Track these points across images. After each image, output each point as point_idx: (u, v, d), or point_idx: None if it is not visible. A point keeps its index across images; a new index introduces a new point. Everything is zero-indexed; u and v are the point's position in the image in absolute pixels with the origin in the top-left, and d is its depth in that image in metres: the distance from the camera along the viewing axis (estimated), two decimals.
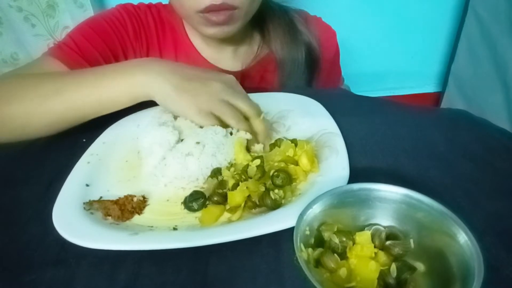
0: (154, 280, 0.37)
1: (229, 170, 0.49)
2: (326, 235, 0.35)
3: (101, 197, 0.47)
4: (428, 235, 0.34)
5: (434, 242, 0.34)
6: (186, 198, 0.45)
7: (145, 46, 0.81)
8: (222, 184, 0.46)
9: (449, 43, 1.69)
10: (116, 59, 0.76)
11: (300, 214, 0.34)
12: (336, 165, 0.48)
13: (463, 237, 0.31)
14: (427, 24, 1.63)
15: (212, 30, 0.70)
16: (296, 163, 0.48)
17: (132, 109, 0.66)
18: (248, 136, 0.54)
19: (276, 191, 0.44)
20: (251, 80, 0.84)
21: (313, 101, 0.66)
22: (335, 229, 0.35)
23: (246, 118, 0.56)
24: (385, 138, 0.57)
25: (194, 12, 0.67)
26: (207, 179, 0.49)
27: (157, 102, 0.57)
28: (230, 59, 0.83)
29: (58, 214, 0.43)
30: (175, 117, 0.58)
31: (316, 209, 0.35)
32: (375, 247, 0.35)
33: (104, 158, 0.55)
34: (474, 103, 1.54)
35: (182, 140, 0.53)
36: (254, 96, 0.68)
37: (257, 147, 0.55)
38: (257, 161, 0.47)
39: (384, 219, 0.37)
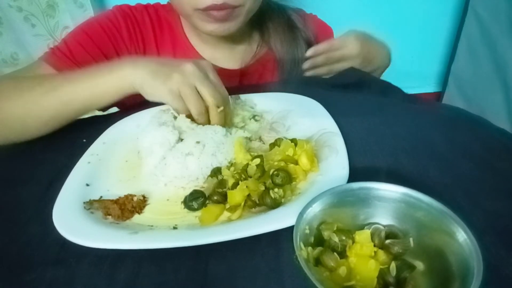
0: (154, 279, 0.37)
1: (229, 170, 0.49)
2: (325, 234, 0.35)
3: (101, 197, 0.47)
4: (428, 234, 0.34)
5: (433, 241, 0.34)
6: (186, 197, 0.46)
7: (141, 47, 0.81)
8: (222, 183, 0.46)
9: (449, 43, 1.69)
10: None
11: (300, 213, 0.34)
12: (335, 164, 0.48)
13: (462, 236, 0.31)
14: (427, 24, 1.63)
15: (211, 27, 0.70)
16: (296, 163, 0.48)
17: (132, 109, 0.66)
18: (247, 134, 0.55)
19: (276, 190, 0.44)
20: (250, 79, 0.85)
21: (312, 101, 0.66)
22: (335, 228, 0.35)
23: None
24: (385, 137, 0.57)
25: (194, 10, 0.67)
26: (207, 178, 0.49)
27: (140, 91, 0.59)
28: (229, 58, 0.83)
29: (58, 214, 0.43)
30: (175, 117, 0.58)
31: (316, 208, 0.35)
32: (374, 246, 0.35)
33: (104, 158, 0.55)
34: (474, 103, 1.54)
35: (182, 140, 0.53)
36: (254, 97, 0.68)
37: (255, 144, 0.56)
38: (257, 160, 0.47)
39: (383, 218, 0.37)
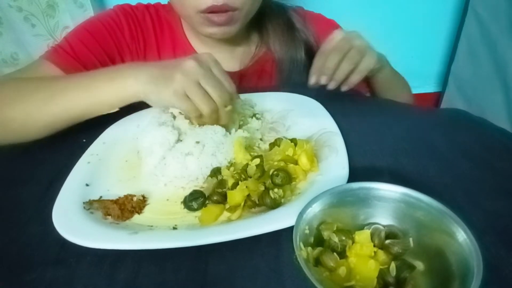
0: (154, 279, 0.37)
1: (228, 170, 0.49)
2: (325, 234, 0.35)
3: (101, 197, 0.47)
4: (427, 234, 0.34)
5: (433, 241, 0.34)
6: (185, 197, 0.46)
7: (142, 46, 0.81)
8: (221, 183, 0.46)
9: (449, 43, 1.68)
10: (112, 61, 0.77)
11: (300, 213, 0.34)
12: (335, 164, 0.48)
13: (462, 236, 0.31)
14: (427, 24, 1.63)
15: (212, 30, 0.71)
16: (296, 163, 0.48)
17: (132, 109, 0.66)
18: (246, 134, 0.55)
19: (276, 190, 0.44)
20: (249, 80, 0.84)
21: (312, 100, 0.66)
22: (335, 228, 0.35)
23: None
24: (385, 137, 0.57)
25: (195, 12, 0.67)
26: (206, 178, 0.49)
27: (144, 100, 0.57)
28: (228, 59, 0.83)
29: (58, 214, 0.43)
30: (174, 117, 0.58)
31: (316, 208, 0.35)
32: (374, 246, 0.35)
33: (104, 158, 0.55)
34: (474, 103, 1.54)
35: (181, 140, 0.53)
36: (254, 97, 0.68)
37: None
38: (257, 161, 0.47)
39: (383, 218, 0.37)
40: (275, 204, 0.43)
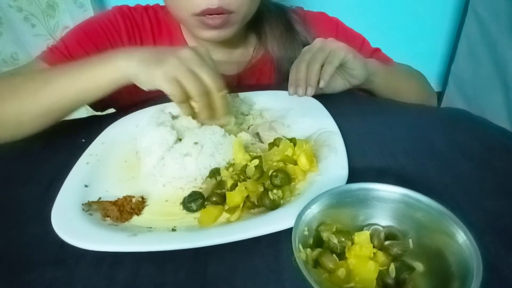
0: (154, 280, 0.37)
1: (227, 170, 0.49)
2: (324, 235, 0.35)
3: (100, 198, 0.47)
4: (427, 235, 0.34)
5: (433, 242, 0.33)
6: (184, 198, 0.45)
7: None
8: (220, 184, 0.46)
9: (449, 43, 1.69)
10: None
11: (299, 214, 0.34)
12: (335, 164, 0.48)
13: (462, 237, 0.31)
14: (427, 24, 1.63)
15: (208, 34, 0.70)
16: (295, 163, 0.48)
17: (131, 109, 0.66)
18: (247, 136, 0.54)
19: (275, 191, 0.44)
20: (246, 82, 0.84)
21: (312, 99, 0.66)
22: (334, 229, 0.35)
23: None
24: (385, 137, 0.57)
25: (190, 15, 0.67)
26: (205, 179, 0.49)
27: (134, 81, 0.56)
28: (226, 61, 0.83)
29: (57, 216, 0.43)
30: (173, 117, 0.58)
31: (315, 209, 0.35)
32: (374, 247, 0.34)
33: (103, 159, 0.55)
34: (474, 103, 1.54)
35: (180, 140, 0.53)
36: (254, 95, 0.68)
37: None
38: (256, 161, 0.47)
39: (383, 219, 0.37)
40: (274, 205, 0.43)
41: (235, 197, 0.43)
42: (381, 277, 0.32)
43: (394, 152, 0.53)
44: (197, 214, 0.44)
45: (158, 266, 0.38)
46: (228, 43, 0.80)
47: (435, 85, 1.79)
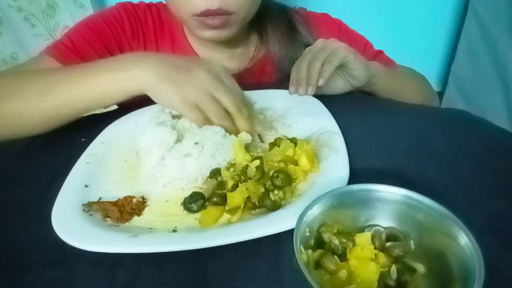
0: (154, 281, 0.37)
1: (228, 171, 0.49)
2: (326, 236, 0.35)
3: (100, 198, 0.47)
4: (429, 236, 0.34)
5: (434, 243, 0.33)
6: (185, 199, 0.45)
7: (142, 44, 0.81)
8: (221, 185, 0.46)
9: (449, 43, 1.69)
10: None
11: (300, 215, 0.34)
12: (336, 165, 0.48)
13: (463, 239, 0.31)
14: (427, 24, 1.63)
15: (208, 34, 0.70)
16: (296, 163, 0.48)
17: (131, 108, 0.66)
18: (248, 138, 0.54)
19: (276, 192, 0.43)
20: (248, 82, 0.84)
21: (313, 99, 0.66)
22: (335, 230, 0.35)
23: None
24: (385, 138, 0.57)
25: (190, 16, 0.67)
26: (206, 179, 0.49)
27: (148, 95, 0.56)
28: (227, 60, 0.82)
29: (57, 216, 0.43)
30: (173, 116, 0.58)
31: (316, 210, 0.35)
32: (375, 248, 0.34)
33: (103, 159, 0.55)
34: (474, 103, 1.54)
35: (180, 140, 0.53)
36: (254, 94, 0.68)
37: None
38: (257, 162, 0.47)
39: (384, 220, 0.37)
40: (276, 206, 0.43)
41: (236, 198, 0.43)
42: (383, 278, 0.32)
43: (394, 152, 0.53)
44: (197, 215, 0.44)
45: (158, 266, 0.38)
46: (229, 42, 0.80)
47: (435, 85, 1.79)
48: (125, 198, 0.46)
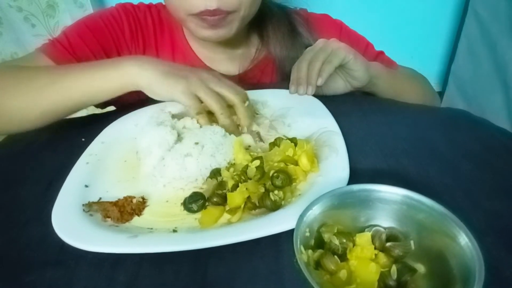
0: (154, 281, 0.37)
1: (228, 171, 0.49)
2: (326, 236, 0.35)
3: (100, 198, 0.47)
4: (429, 237, 0.34)
5: (434, 244, 0.33)
6: (185, 199, 0.45)
7: (141, 46, 0.80)
8: (221, 185, 0.46)
9: (449, 43, 1.69)
10: (109, 58, 0.76)
11: (300, 215, 0.34)
12: (336, 165, 0.48)
13: (463, 239, 0.31)
14: (427, 24, 1.63)
15: (206, 33, 0.70)
16: (296, 163, 0.48)
17: (130, 108, 0.66)
18: (251, 141, 0.55)
19: (276, 192, 0.43)
20: (248, 83, 0.84)
21: (313, 99, 0.66)
22: (335, 231, 0.35)
23: (230, 106, 0.59)
24: (385, 138, 0.57)
25: (188, 15, 0.67)
26: (206, 179, 0.49)
27: (143, 90, 0.59)
28: (227, 61, 0.83)
29: (58, 216, 0.43)
30: (173, 117, 0.58)
31: (316, 210, 0.35)
32: (375, 248, 0.34)
33: (103, 159, 0.55)
34: (474, 103, 1.54)
35: (180, 140, 0.53)
36: (254, 94, 0.68)
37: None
38: (257, 162, 0.47)
39: (384, 220, 0.37)
40: (276, 206, 0.43)
41: (236, 198, 0.43)
42: (383, 278, 0.32)
43: (394, 152, 0.53)
44: (198, 215, 0.44)
45: (158, 267, 0.38)
46: (230, 43, 0.80)
47: (435, 85, 1.79)
48: (125, 198, 0.46)
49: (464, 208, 0.43)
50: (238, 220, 0.43)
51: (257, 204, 0.43)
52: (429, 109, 0.72)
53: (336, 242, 0.34)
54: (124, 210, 0.44)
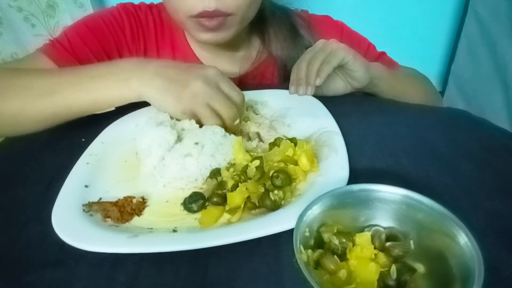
0: (154, 281, 0.37)
1: (228, 171, 0.49)
2: (326, 236, 0.35)
3: (100, 198, 0.47)
4: (428, 236, 0.34)
5: (434, 243, 0.33)
6: (185, 199, 0.45)
7: (142, 46, 0.80)
8: (221, 185, 0.46)
9: (449, 43, 1.68)
10: (110, 59, 0.76)
11: (300, 215, 0.34)
12: (335, 165, 0.48)
13: (463, 239, 0.31)
14: (427, 24, 1.63)
15: (205, 36, 0.69)
16: (296, 163, 0.48)
17: (130, 108, 0.65)
18: (253, 144, 0.56)
19: (276, 192, 0.43)
20: (248, 85, 0.83)
21: (313, 99, 0.66)
22: (335, 230, 0.35)
23: None
24: (385, 138, 0.57)
25: (187, 17, 0.66)
26: (206, 179, 0.49)
27: (148, 101, 0.59)
28: (228, 63, 0.82)
29: (58, 217, 0.43)
30: (172, 117, 0.58)
31: (316, 210, 0.35)
32: (375, 248, 0.34)
33: (103, 159, 0.55)
34: (474, 103, 1.54)
35: (180, 140, 0.53)
36: (254, 94, 0.68)
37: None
38: (256, 162, 0.47)
39: (384, 220, 0.37)
40: (275, 206, 0.43)
41: (236, 198, 0.43)
42: (382, 278, 0.32)
43: (394, 152, 0.53)
44: (197, 215, 0.44)
45: (158, 267, 0.38)
46: (231, 45, 0.79)
47: (435, 85, 1.78)
48: (125, 198, 0.46)
49: (464, 208, 0.43)
50: (238, 220, 0.43)
51: (257, 204, 0.43)
52: (429, 109, 0.72)
53: (336, 242, 0.34)
54: (124, 210, 0.44)
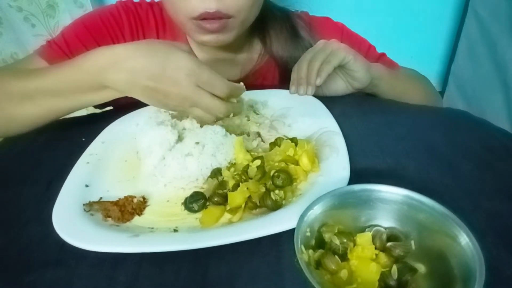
0: (154, 281, 0.37)
1: (229, 170, 0.49)
2: (327, 236, 0.35)
3: (101, 198, 0.47)
4: (429, 237, 0.34)
5: (435, 244, 0.33)
6: (186, 199, 0.45)
7: None
8: (222, 184, 0.46)
9: (449, 43, 1.69)
10: None
11: (301, 215, 0.34)
12: (336, 165, 0.48)
13: (464, 239, 0.31)
14: (427, 24, 1.63)
15: (205, 38, 0.68)
16: (297, 163, 0.48)
17: (131, 108, 0.65)
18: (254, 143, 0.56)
19: (277, 191, 0.43)
20: (249, 88, 0.83)
21: (313, 99, 0.66)
22: (336, 230, 0.35)
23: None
24: (386, 138, 0.57)
25: (188, 19, 0.65)
26: (207, 179, 0.49)
27: None
28: (229, 66, 0.81)
29: (58, 216, 0.43)
30: (173, 117, 0.58)
31: (317, 210, 0.35)
32: (376, 248, 0.35)
33: (103, 158, 0.55)
34: (474, 103, 1.54)
35: (181, 140, 0.53)
36: (255, 94, 0.68)
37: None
38: (257, 162, 0.47)
39: (385, 220, 0.37)
40: (276, 206, 0.43)
41: (237, 198, 0.43)
42: (383, 278, 0.32)
43: (394, 152, 0.53)
44: (198, 215, 0.44)
45: (159, 267, 0.38)
46: (232, 47, 0.78)
47: (435, 85, 1.78)
48: (126, 198, 0.46)
49: (465, 208, 0.43)
50: (239, 220, 0.43)
51: (258, 203, 0.43)
52: (429, 110, 0.72)
53: (337, 242, 0.34)
54: (125, 210, 0.44)
